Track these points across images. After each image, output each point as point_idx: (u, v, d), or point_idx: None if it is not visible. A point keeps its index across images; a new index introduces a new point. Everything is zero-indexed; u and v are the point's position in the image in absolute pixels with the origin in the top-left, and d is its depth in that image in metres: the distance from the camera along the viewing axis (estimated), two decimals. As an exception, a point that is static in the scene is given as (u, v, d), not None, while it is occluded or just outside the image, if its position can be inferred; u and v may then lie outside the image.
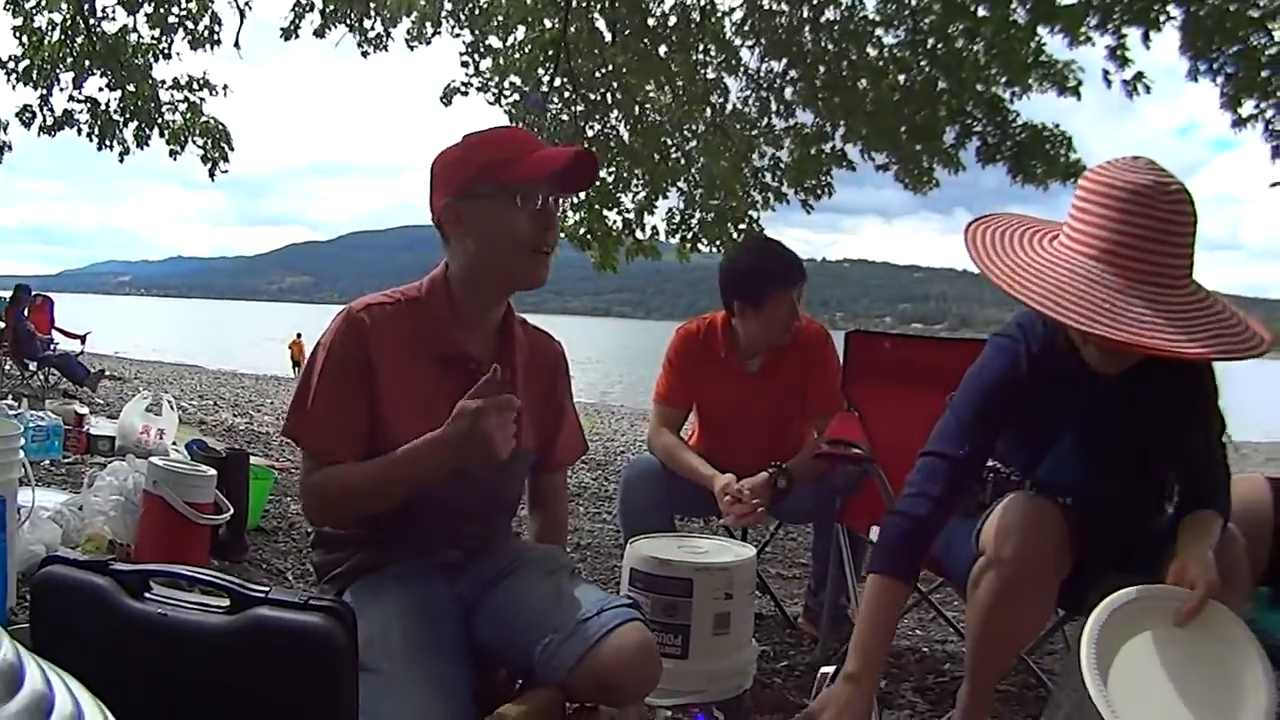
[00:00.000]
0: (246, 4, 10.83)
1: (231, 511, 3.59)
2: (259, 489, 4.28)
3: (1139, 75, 8.61)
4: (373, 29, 10.87)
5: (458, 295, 2.09)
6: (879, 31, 10.04)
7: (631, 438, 12.32)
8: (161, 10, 10.63)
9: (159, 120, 11.37)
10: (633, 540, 2.81)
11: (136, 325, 69.74)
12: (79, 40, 10.67)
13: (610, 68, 10.60)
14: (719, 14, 10.60)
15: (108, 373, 14.14)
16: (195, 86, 11.50)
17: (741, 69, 10.85)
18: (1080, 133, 10.01)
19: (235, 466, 3.98)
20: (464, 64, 10.97)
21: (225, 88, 11.67)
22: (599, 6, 10.35)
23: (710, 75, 10.92)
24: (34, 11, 10.59)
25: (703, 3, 10.54)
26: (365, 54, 11.14)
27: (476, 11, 10.75)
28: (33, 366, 12.30)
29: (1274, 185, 7.56)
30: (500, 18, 10.70)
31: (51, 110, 11.04)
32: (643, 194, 11.16)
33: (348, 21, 10.69)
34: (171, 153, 11.67)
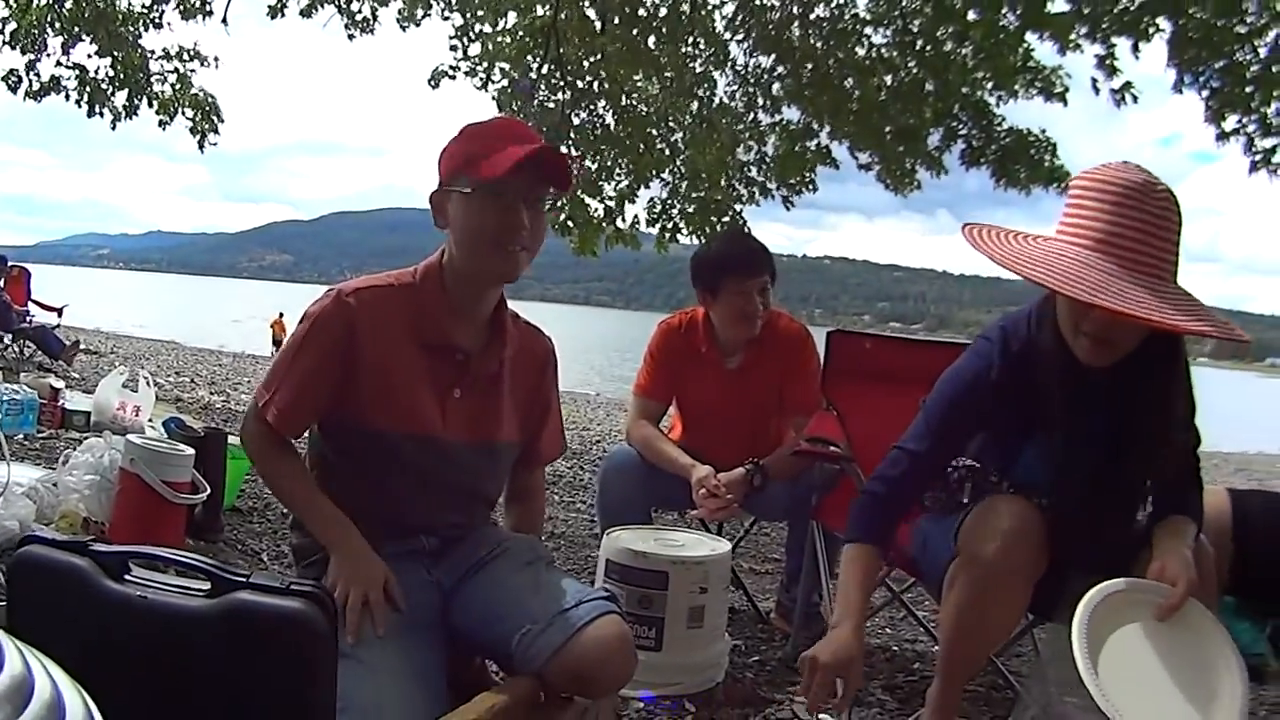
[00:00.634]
0: (235, -22, 10.76)
1: (209, 491, 3.58)
2: (236, 469, 4.25)
3: (1127, 85, 8.63)
4: (360, 11, 10.81)
5: (449, 284, 2.10)
6: (868, 30, 10.05)
7: (608, 427, 12.32)
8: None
9: (148, 90, 11.28)
10: (609, 532, 2.83)
11: (114, 299, 69.16)
12: (67, 5, 10.55)
13: (599, 56, 10.59)
14: (709, 7, 10.59)
15: (84, 346, 14.05)
16: (185, 57, 11.42)
17: (730, 63, 10.86)
18: (1064, 139, 10.06)
19: (213, 446, 3.96)
20: (453, 48, 10.96)
21: (216, 59, 11.57)
22: (590, -6, 10.31)
23: (698, 68, 10.92)
24: (21, -27, 10.48)
25: (694, -6, 10.54)
26: (351, 36, 11.06)
27: (467, -5, 10.71)
28: (7, 339, 12.17)
29: None
30: (491, 3, 10.66)
31: (38, 75, 10.89)
32: (625, 183, 11.17)
33: (336, 3, 10.62)
34: (161, 123, 11.54)
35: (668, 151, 11.20)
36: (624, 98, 11.00)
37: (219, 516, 4.00)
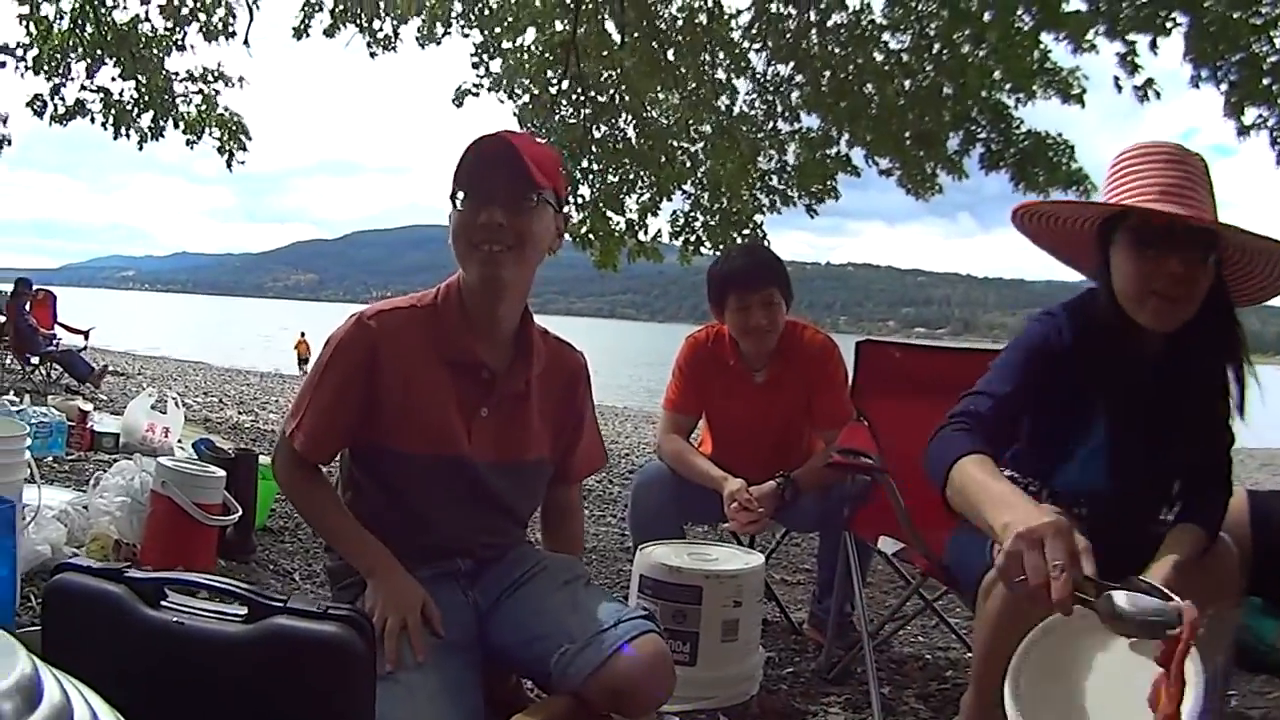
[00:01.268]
0: (255, 2, 10.87)
1: (240, 512, 3.59)
2: (267, 489, 4.25)
3: (1149, 81, 8.61)
4: (381, 30, 10.89)
5: (467, 301, 2.10)
6: (885, 36, 10.05)
7: (636, 440, 12.30)
8: (175, 3, 10.64)
9: (174, 111, 11.38)
10: (643, 547, 2.82)
11: (140, 321, 69.68)
12: (89, 29, 10.65)
13: (619, 70, 10.63)
14: (726, 16, 10.61)
15: (111, 368, 14.12)
16: (210, 78, 11.51)
17: (748, 72, 10.86)
18: (1080, 138, 10.03)
19: (244, 467, 3.97)
20: (474, 65, 11.05)
21: (241, 80, 11.68)
22: (608, 9, 10.35)
23: (718, 78, 10.92)
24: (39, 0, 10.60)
25: (710, 5, 10.55)
26: (373, 54, 11.17)
27: (486, 13, 10.78)
28: (35, 362, 12.23)
29: None
30: (510, 19, 10.71)
31: (63, 100, 11.02)
32: (647, 196, 11.18)
33: (358, 23, 10.70)
34: (188, 142, 11.67)
35: (688, 163, 11.22)
36: (644, 110, 11.03)
37: (250, 537, 4.00)
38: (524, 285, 2.11)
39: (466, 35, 10.95)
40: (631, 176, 11.13)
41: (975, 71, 9.48)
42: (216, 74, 11.53)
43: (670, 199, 11.23)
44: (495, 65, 10.98)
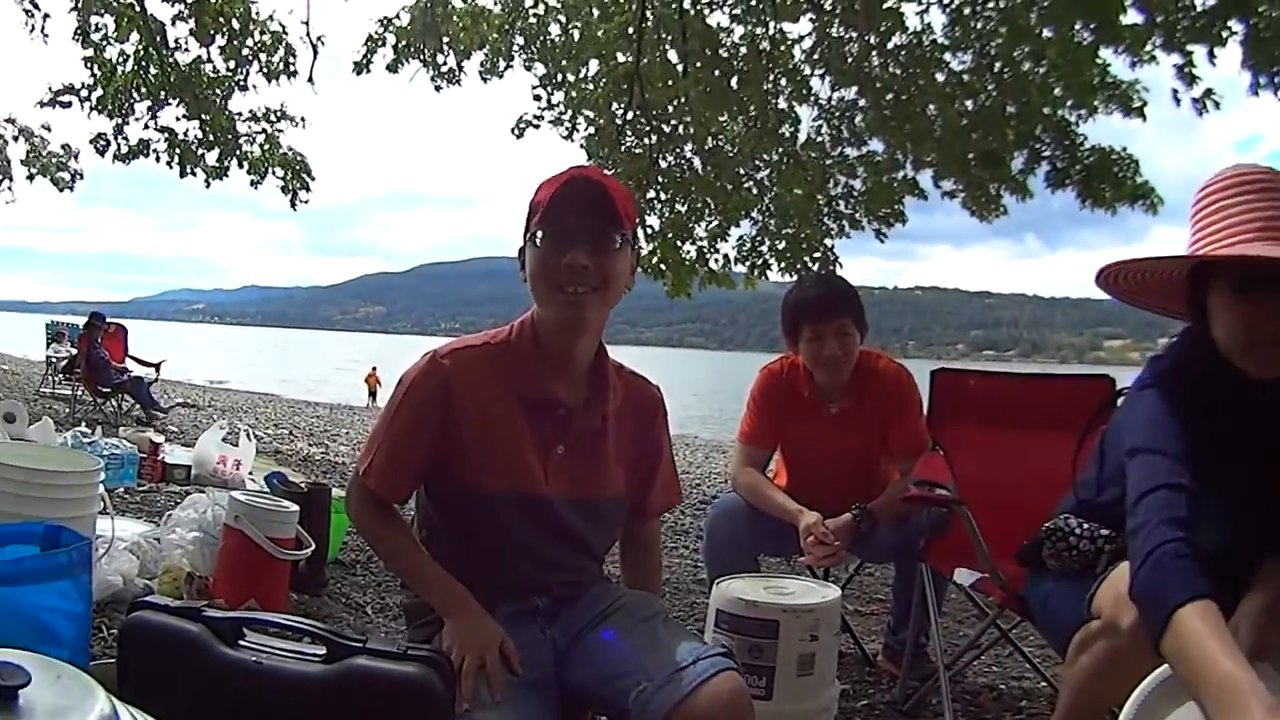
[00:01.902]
0: (319, 39, 11.06)
1: (313, 547, 3.60)
2: (339, 523, 4.28)
3: (1208, 92, 8.45)
4: (445, 64, 11.01)
5: (541, 338, 2.07)
6: (946, 56, 9.99)
7: (707, 470, 12.25)
8: (235, 44, 10.86)
9: (238, 150, 11.59)
10: (719, 581, 2.78)
11: (210, 353, 70.88)
12: (152, 71, 10.91)
13: (683, 99, 10.64)
14: (788, 42, 10.60)
15: (183, 400, 14.31)
16: (273, 118, 11.72)
17: (812, 98, 10.84)
18: (1142, 153, 9.89)
19: (318, 501, 4.00)
20: (535, 97, 11.11)
21: (303, 119, 11.87)
22: (670, 39, 10.38)
23: (782, 104, 10.91)
24: (104, 43, 10.87)
25: (772, 32, 10.54)
26: (438, 88, 11.30)
27: (549, 45, 10.86)
28: (106, 393, 12.39)
29: None
30: (573, 52, 10.78)
31: (126, 139, 11.30)
32: (715, 223, 11.18)
33: (421, 57, 10.83)
34: (253, 182, 11.91)
35: (755, 190, 11.21)
36: (709, 139, 11.04)
37: (323, 570, 4.02)
38: (602, 323, 2.09)
39: (529, 68, 11.05)
40: (699, 205, 11.13)
41: (1038, 89, 9.39)
42: (280, 114, 11.75)
43: (738, 225, 11.23)
44: (557, 98, 11.06)
